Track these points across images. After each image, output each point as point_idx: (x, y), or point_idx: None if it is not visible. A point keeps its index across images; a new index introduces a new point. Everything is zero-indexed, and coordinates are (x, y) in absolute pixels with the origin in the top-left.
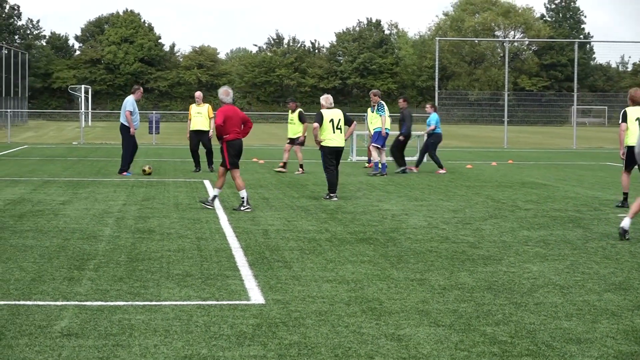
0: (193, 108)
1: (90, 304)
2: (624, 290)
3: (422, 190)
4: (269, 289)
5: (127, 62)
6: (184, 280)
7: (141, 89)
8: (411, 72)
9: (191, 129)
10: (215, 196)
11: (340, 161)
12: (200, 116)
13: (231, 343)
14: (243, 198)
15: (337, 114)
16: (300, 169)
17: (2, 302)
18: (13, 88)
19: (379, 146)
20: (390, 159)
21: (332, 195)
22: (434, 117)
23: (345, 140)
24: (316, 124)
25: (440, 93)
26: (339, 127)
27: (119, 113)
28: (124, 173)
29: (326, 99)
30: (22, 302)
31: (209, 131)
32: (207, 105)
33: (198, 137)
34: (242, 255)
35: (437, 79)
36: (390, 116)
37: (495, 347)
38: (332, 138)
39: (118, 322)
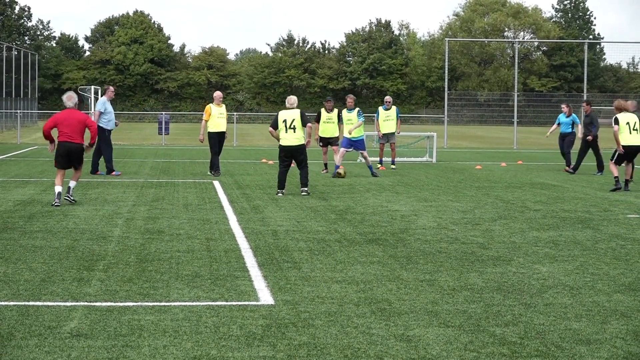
0: (214, 109)
1: (99, 305)
2: (633, 291)
3: (432, 191)
4: (278, 289)
5: (137, 63)
6: (193, 281)
7: (111, 88)
8: (421, 72)
9: (215, 130)
10: (59, 193)
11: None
12: (223, 117)
13: (240, 344)
14: (59, 193)
15: (291, 115)
16: (326, 169)
17: (12, 303)
18: (23, 89)
19: (346, 149)
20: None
21: (279, 191)
22: (575, 118)
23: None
24: (270, 128)
25: (450, 94)
26: (292, 127)
27: (128, 114)
28: (113, 173)
29: (287, 99)
30: (31, 303)
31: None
32: (224, 105)
33: (219, 139)
34: (252, 256)
35: (446, 80)
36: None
37: (505, 347)
38: (284, 137)
39: (127, 322)
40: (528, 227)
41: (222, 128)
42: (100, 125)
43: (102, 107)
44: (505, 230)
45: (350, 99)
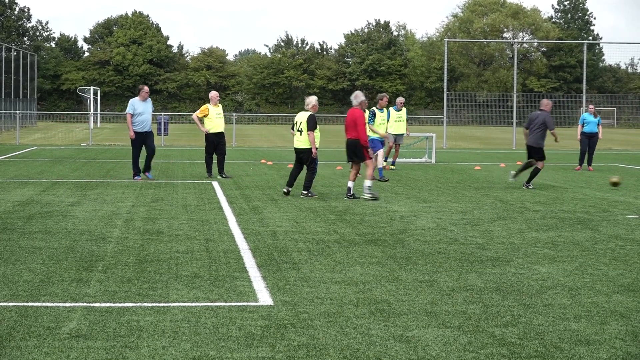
0: (211, 109)
1: (98, 306)
2: (632, 291)
3: (431, 192)
4: (278, 290)
5: (136, 64)
6: (192, 282)
7: (145, 88)
8: (420, 73)
9: (213, 131)
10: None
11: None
12: (220, 117)
13: (239, 344)
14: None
15: (300, 117)
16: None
17: (11, 304)
18: (22, 90)
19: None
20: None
21: (286, 187)
22: (599, 119)
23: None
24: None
25: (449, 94)
26: (299, 129)
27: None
28: (135, 178)
29: (305, 99)
30: (30, 304)
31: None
32: (220, 105)
33: (218, 140)
34: (251, 257)
35: (445, 81)
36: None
37: (504, 348)
38: (294, 139)
39: (126, 323)
40: (527, 228)
41: (220, 129)
42: (133, 127)
43: (130, 109)
44: (505, 231)
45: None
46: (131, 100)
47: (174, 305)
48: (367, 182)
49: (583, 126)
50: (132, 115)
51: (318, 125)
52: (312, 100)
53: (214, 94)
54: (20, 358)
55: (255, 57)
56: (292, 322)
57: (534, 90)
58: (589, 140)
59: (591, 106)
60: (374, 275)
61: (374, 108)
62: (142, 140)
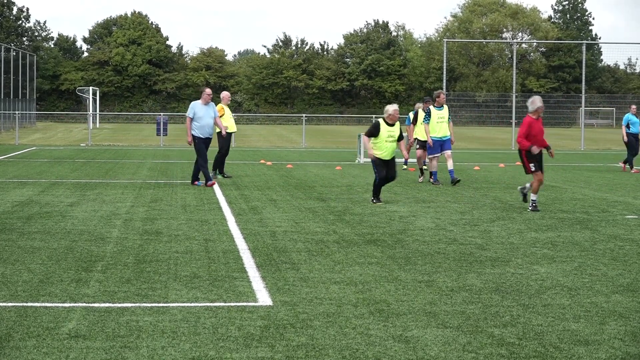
0: (226, 109)
1: (97, 306)
2: (631, 292)
3: (430, 192)
4: (277, 290)
5: (135, 64)
6: (191, 282)
7: (207, 90)
8: (419, 73)
9: (229, 131)
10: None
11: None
12: (231, 117)
13: (239, 345)
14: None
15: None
16: (421, 175)
17: (10, 304)
18: (21, 90)
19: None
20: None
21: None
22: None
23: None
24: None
25: (448, 95)
26: None
27: (127, 115)
28: (195, 183)
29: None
30: (29, 304)
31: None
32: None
33: (228, 140)
34: (250, 257)
35: (445, 81)
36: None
37: (503, 348)
38: None
39: (126, 323)
40: (526, 228)
41: (234, 128)
42: (193, 133)
43: (190, 112)
44: (504, 231)
45: (443, 94)
46: (192, 104)
47: (173, 305)
48: (532, 196)
49: (628, 127)
50: (192, 120)
51: (381, 129)
52: (387, 108)
53: (226, 94)
54: (19, 358)
55: (254, 58)
56: (291, 322)
57: (533, 91)
58: (636, 141)
59: (634, 106)
60: (373, 276)
61: (430, 106)
62: (206, 145)
